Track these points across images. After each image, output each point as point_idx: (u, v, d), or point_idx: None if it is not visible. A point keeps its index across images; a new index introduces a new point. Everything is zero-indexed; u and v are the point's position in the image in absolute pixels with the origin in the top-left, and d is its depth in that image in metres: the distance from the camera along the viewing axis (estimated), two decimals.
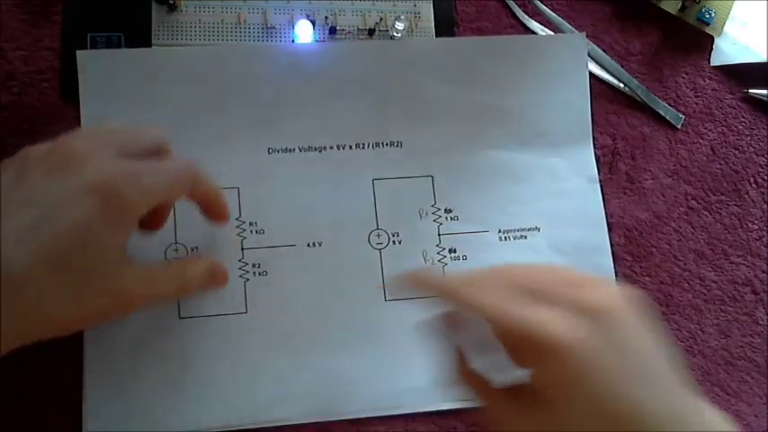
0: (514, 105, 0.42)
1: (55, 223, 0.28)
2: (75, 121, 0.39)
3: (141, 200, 0.30)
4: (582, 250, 0.41)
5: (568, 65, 0.43)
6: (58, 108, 0.39)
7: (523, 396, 0.29)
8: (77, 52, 0.39)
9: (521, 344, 0.29)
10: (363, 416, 0.37)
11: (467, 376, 0.32)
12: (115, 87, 0.39)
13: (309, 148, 0.40)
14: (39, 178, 0.29)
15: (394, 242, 0.40)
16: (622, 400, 0.27)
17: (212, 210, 0.37)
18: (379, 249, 0.40)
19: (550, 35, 0.44)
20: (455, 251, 0.40)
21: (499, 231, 0.41)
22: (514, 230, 0.41)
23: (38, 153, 0.30)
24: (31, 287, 0.28)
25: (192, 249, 0.38)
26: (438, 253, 0.40)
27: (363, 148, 0.41)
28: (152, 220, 0.35)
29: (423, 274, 0.37)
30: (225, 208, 0.37)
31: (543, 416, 0.29)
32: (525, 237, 0.41)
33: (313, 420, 0.37)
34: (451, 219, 0.41)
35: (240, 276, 0.38)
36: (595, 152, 0.43)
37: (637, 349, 0.28)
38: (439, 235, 0.40)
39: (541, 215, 0.42)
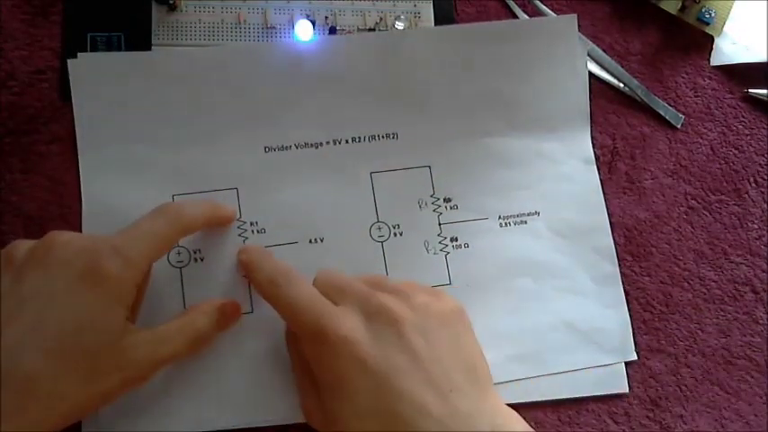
0: (508, 90, 0.42)
1: (55, 317, 0.29)
2: (74, 122, 0.39)
3: (130, 273, 0.31)
4: (582, 232, 0.42)
5: (560, 47, 0.43)
6: (57, 108, 0.39)
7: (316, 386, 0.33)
8: (69, 61, 0.39)
9: (308, 334, 0.33)
10: None
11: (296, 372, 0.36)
12: (109, 93, 0.39)
13: (306, 145, 0.40)
14: (30, 277, 0.30)
15: (395, 234, 0.40)
16: (402, 399, 0.31)
17: (215, 224, 0.38)
18: (381, 242, 0.40)
19: (540, 18, 0.44)
20: (456, 239, 0.40)
21: (499, 218, 0.41)
22: (514, 216, 0.41)
23: (23, 251, 0.31)
24: (44, 379, 0.28)
25: (195, 252, 0.38)
26: (440, 242, 0.40)
27: (360, 141, 0.41)
28: None
29: (256, 255, 0.36)
30: (225, 216, 0.38)
31: (326, 404, 0.33)
32: (525, 222, 0.41)
33: None
34: (451, 207, 0.41)
35: (244, 276, 0.38)
36: (595, 152, 0.43)
37: (433, 356, 0.32)
38: (439, 224, 0.40)
39: (540, 199, 0.42)
